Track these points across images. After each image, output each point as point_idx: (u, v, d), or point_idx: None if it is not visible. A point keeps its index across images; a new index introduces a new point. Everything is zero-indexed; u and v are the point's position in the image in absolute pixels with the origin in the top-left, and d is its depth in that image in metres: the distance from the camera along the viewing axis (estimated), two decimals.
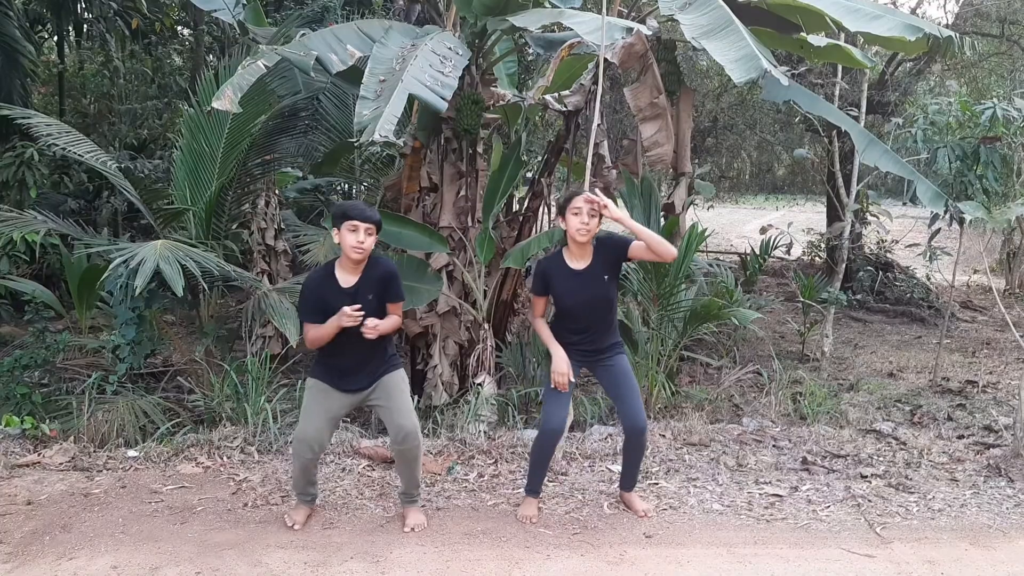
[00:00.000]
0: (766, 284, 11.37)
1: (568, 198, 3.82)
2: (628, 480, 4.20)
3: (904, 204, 7.31)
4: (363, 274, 3.69)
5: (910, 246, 9.84)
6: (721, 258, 11.89)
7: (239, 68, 4.64)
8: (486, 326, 5.88)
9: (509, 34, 6.08)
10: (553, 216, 7.12)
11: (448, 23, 6.06)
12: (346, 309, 3.52)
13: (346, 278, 3.68)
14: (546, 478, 4.42)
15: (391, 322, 3.74)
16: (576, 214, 3.75)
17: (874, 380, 7.07)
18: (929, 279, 11.22)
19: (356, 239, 3.57)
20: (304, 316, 3.74)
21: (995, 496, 4.49)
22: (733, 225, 18.14)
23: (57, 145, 5.71)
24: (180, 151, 6.30)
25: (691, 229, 6.28)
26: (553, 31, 6.32)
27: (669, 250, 3.76)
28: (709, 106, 11.69)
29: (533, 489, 4.10)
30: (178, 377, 5.84)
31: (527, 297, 6.60)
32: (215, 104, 4.34)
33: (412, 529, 3.87)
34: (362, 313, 3.55)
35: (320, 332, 3.62)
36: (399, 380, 3.84)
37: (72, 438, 4.92)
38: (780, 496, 4.41)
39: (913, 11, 11.04)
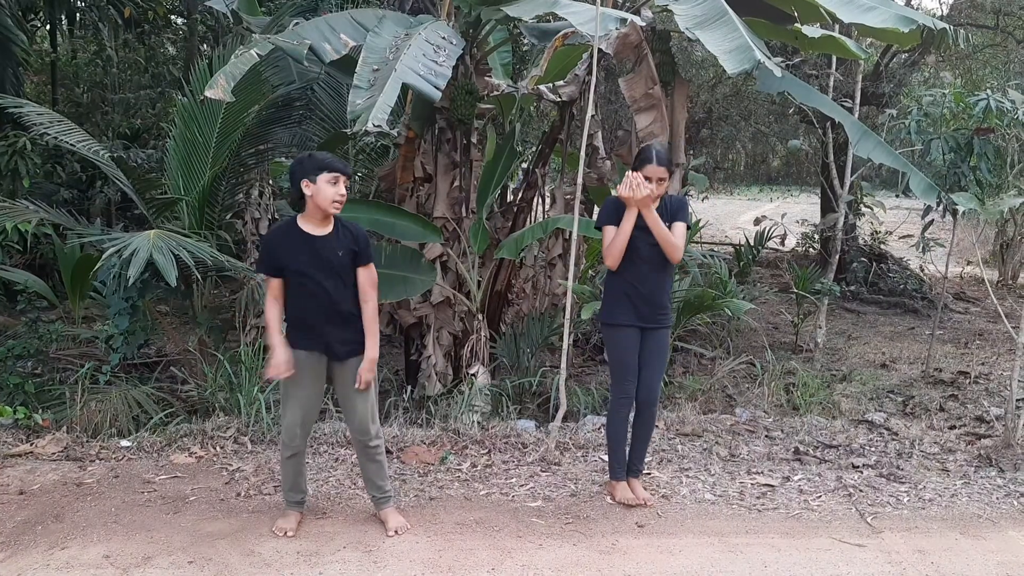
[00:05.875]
0: (760, 275, 11.36)
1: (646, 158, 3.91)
2: (637, 463, 4.23)
3: (898, 196, 7.31)
4: (335, 228, 3.55)
5: (904, 237, 9.84)
6: (715, 249, 11.86)
7: (232, 57, 4.60)
8: (480, 316, 5.88)
9: (503, 24, 6.06)
10: (547, 207, 7.12)
11: (442, 12, 6.03)
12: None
13: (316, 229, 3.52)
14: (539, 468, 4.45)
15: (372, 318, 3.59)
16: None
17: (867, 371, 7.09)
18: (922, 270, 11.26)
19: (338, 191, 3.46)
20: (261, 267, 3.59)
21: (986, 486, 4.52)
22: (727, 216, 18.13)
23: (50, 134, 5.68)
24: (173, 140, 6.27)
25: None
26: (548, 21, 6.30)
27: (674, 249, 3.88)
28: (704, 97, 11.67)
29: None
30: (171, 367, 5.83)
31: (520, 288, 6.60)
32: (208, 93, 4.31)
33: (396, 532, 3.71)
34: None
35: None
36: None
37: (65, 428, 4.92)
38: (772, 486, 4.44)
39: (908, 2, 11.02)
